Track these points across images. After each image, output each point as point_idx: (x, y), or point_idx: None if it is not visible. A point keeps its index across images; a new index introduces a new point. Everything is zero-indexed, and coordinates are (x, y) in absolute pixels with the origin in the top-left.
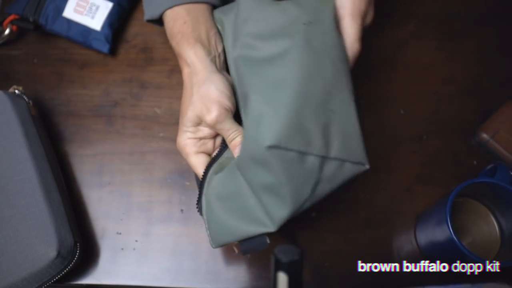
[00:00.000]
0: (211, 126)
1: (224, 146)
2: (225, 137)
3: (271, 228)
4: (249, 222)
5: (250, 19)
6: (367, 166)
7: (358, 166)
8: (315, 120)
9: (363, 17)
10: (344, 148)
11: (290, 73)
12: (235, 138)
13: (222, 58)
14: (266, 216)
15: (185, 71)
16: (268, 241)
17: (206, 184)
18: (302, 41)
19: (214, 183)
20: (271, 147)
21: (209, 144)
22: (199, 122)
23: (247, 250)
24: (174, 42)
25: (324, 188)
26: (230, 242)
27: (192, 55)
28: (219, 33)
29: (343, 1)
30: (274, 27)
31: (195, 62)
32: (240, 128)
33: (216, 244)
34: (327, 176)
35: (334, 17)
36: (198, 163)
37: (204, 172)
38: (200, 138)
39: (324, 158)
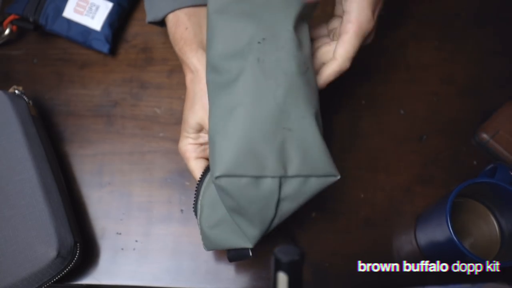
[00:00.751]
0: None
1: None
2: None
3: (248, 244)
4: (231, 234)
5: (215, 38)
6: (337, 177)
7: (326, 179)
8: (269, 143)
9: (365, 38)
10: (304, 164)
11: (240, 100)
12: None
13: None
14: (243, 232)
15: (188, 77)
16: (250, 254)
17: (202, 189)
18: (253, 61)
19: (209, 191)
20: (219, 177)
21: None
22: (200, 129)
23: (232, 258)
24: (177, 49)
25: (290, 206)
26: (218, 249)
27: (196, 61)
28: None
29: (352, 16)
30: (233, 47)
31: (199, 69)
32: None
33: (207, 248)
34: (289, 194)
35: (295, 28)
36: (197, 168)
37: (200, 177)
38: (201, 144)
39: (282, 178)
